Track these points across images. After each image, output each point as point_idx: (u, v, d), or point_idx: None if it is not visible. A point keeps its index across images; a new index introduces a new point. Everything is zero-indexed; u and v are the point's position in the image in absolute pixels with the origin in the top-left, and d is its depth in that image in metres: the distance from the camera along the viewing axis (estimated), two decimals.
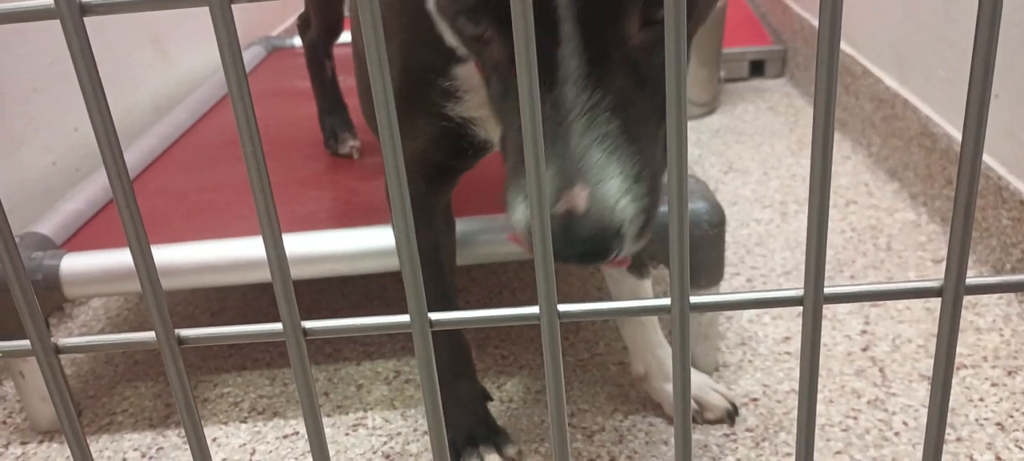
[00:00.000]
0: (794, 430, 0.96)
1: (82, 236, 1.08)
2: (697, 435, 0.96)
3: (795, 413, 0.99)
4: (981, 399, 0.98)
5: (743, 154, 1.72)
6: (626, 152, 0.50)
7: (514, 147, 0.54)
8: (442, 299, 0.87)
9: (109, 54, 1.54)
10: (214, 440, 1.02)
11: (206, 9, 0.31)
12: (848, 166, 1.62)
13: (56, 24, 0.32)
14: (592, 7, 0.49)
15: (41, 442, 1.04)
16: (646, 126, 0.53)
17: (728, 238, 1.38)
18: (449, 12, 0.54)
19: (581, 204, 0.49)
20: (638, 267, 0.93)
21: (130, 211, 0.35)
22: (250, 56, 1.82)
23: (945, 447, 0.91)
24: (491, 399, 1.04)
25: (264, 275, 0.95)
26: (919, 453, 0.90)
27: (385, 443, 0.99)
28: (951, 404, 0.98)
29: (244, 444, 1.01)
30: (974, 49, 0.31)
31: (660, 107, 0.54)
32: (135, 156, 1.28)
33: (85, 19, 0.32)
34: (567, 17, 0.49)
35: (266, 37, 1.94)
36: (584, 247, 0.49)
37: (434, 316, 0.37)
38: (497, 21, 0.51)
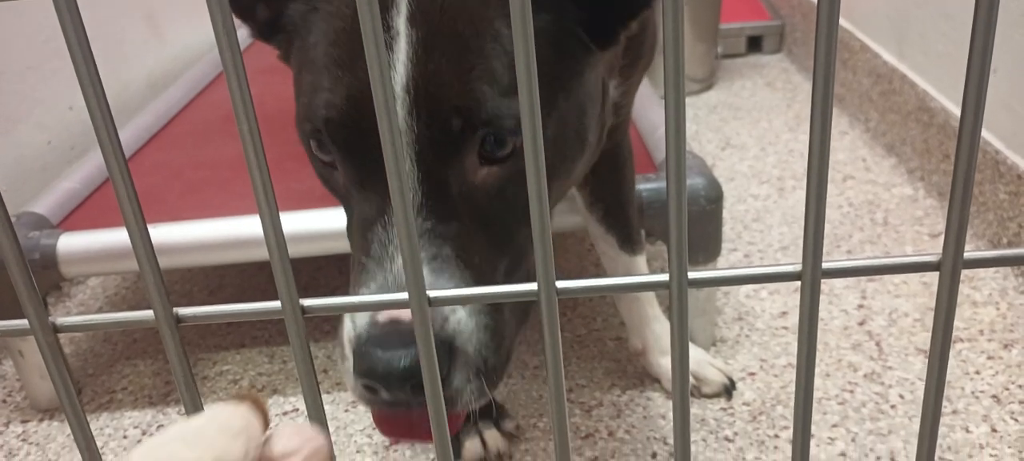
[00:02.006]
0: (791, 404, 0.97)
1: (78, 215, 1.08)
2: (695, 409, 0.97)
3: (792, 387, 0.99)
4: (977, 372, 0.99)
5: (740, 130, 1.72)
6: (461, 276, 0.51)
7: (353, 270, 0.54)
8: None
9: (103, 32, 1.53)
10: None
11: None
12: (846, 141, 1.62)
13: (50, 2, 0.32)
14: (430, 142, 0.50)
15: (41, 420, 1.04)
16: (489, 261, 0.54)
17: (725, 214, 1.38)
18: (302, 134, 0.55)
19: (405, 314, 0.48)
20: (630, 244, 0.94)
21: (126, 190, 0.35)
22: (244, 33, 1.81)
23: (941, 420, 0.92)
24: None
25: (262, 253, 0.95)
26: (915, 425, 0.91)
27: None
28: (948, 377, 0.98)
29: None
30: (974, 23, 0.30)
31: (507, 248, 0.55)
32: (130, 134, 1.28)
33: None
34: (408, 152, 0.50)
35: None
36: (407, 360, 0.46)
37: (434, 294, 0.37)
38: (341, 146, 0.53)
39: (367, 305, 0.39)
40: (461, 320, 0.50)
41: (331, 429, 0.98)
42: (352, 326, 0.50)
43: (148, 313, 0.38)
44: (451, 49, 0.50)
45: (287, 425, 0.36)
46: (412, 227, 0.35)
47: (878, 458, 0.88)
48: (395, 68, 0.50)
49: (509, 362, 0.55)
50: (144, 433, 1.01)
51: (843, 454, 0.88)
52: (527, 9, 0.31)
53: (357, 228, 0.55)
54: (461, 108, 0.50)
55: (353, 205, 0.56)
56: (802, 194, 1.44)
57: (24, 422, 1.04)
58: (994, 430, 0.90)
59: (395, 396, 0.48)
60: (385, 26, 0.49)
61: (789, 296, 1.16)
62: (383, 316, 0.49)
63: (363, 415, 1.00)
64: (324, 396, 1.04)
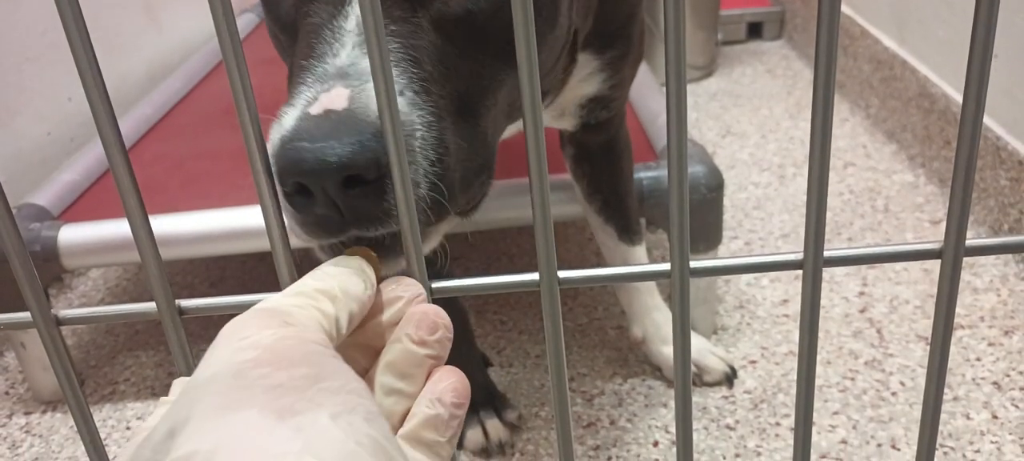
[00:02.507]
0: (792, 392, 0.97)
1: (79, 206, 1.08)
2: (696, 398, 0.97)
3: (793, 375, 0.99)
4: (978, 359, 0.99)
5: (741, 117, 1.72)
6: (413, 75, 0.44)
7: (299, 65, 0.47)
8: None
9: (101, 22, 1.53)
10: None
11: None
12: (846, 128, 1.62)
13: None
14: None
15: (44, 412, 1.05)
16: (450, 86, 0.47)
17: (726, 202, 1.38)
18: None
19: (340, 103, 0.41)
20: (629, 234, 0.93)
21: (127, 181, 0.35)
22: (243, 23, 1.80)
23: (942, 406, 0.92)
24: (491, 364, 1.05)
25: (263, 243, 0.95)
26: (916, 412, 0.91)
27: None
28: (949, 364, 0.98)
29: None
30: (975, 9, 0.30)
31: (479, 83, 0.50)
32: (130, 125, 1.28)
33: None
34: None
35: (259, 4, 1.92)
36: (341, 149, 0.38)
37: (434, 284, 0.37)
38: None
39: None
40: (408, 114, 0.43)
41: None
42: (278, 128, 0.42)
43: (150, 305, 0.38)
44: None
45: (392, 279, 0.39)
46: (413, 214, 0.35)
47: (879, 445, 0.88)
48: None
49: (479, 198, 0.50)
50: None
51: (844, 441, 0.89)
52: (528, 8, 0.31)
53: (303, 40, 0.47)
54: None
55: (300, 24, 0.49)
56: (803, 181, 1.44)
57: (27, 414, 1.05)
58: (995, 417, 0.90)
59: (330, 200, 0.40)
60: None
61: (790, 284, 1.16)
62: (314, 108, 0.41)
63: None
64: None
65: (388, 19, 0.45)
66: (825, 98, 0.32)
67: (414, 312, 0.37)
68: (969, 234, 0.33)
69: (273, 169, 0.39)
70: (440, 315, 0.37)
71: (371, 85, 0.37)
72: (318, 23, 0.46)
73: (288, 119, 0.42)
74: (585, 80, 0.75)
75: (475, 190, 0.50)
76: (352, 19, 0.45)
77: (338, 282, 0.35)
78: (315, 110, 0.41)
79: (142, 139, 1.27)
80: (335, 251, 0.42)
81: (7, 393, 1.09)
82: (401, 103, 0.43)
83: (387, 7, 0.45)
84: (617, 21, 0.73)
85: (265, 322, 0.31)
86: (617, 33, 0.74)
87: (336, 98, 0.41)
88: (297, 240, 0.41)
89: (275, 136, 0.41)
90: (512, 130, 0.65)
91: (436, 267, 0.42)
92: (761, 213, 1.35)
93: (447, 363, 0.38)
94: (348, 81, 0.42)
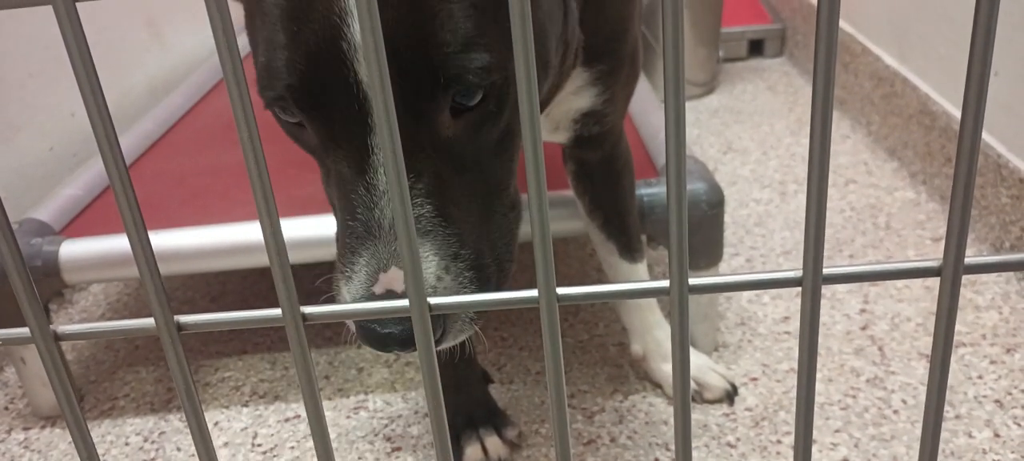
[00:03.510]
0: (794, 409, 0.96)
1: (80, 222, 1.08)
2: (697, 415, 0.96)
3: (794, 392, 0.99)
4: (979, 377, 0.98)
5: (742, 134, 1.72)
6: (440, 234, 0.51)
7: (340, 230, 0.54)
8: None
9: (103, 38, 1.54)
10: (216, 424, 1.02)
11: None
12: (847, 145, 1.62)
13: (50, 10, 0.32)
14: (401, 98, 0.49)
15: (43, 427, 1.04)
16: (467, 208, 0.54)
17: (727, 218, 1.38)
18: (265, 102, 0.54)
19: (399, 285, 0.49)
20: (631, 252, 0.93)
21: (127, 197, 0.35)
22: (244, 40, 1.81)
23: (944, 424, 0.92)
24: (491, 381, 1.04)
25: (263, 260, 0.95)
26: (918, 430, 0.91)
27: (386, 426, 0.99)
28: (950, 382, 0.98)
29: (246, 428, 1.01)
30: (974, 26, 0.30)
31: (483, 186, 0.55)
32: (131, 141, 1.28)
33: (78, 3, 0.32)
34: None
35: None
36: (409, 328, 0.47)
37: (433, 301, 0.37)
38: (308, 109, 0.51)
39: (367, 311, 0.39)
40: (447, 288, 0.51)
41: (332, 435, 0.98)
42: (349, 299, 0.51)
43: (149, 321, 0.38)
44: (406, 6, 0.48)
45: None
46: (413, 238, 0.35)
47: None
48: (352, 15, 0.48)
49: (503, 284, 0.57)
50: (146, 440, 1.01)
51: (846, 460, 0.88)
52: (526, 9, 0.31)
53: (335, 186, 0.54)
54: (429, 68, 0.49)
55: (327, 162, 0.55)
56: (804, 198, 1.44)
57: (26, 429, 1.04)
58: (997, 435, 0.90)
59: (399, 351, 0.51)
60: None
61: (791, 301, 1.16)
62: (377, 288, 0.50)
63: (365, 421, 1.00)
64: (325, 403, 1.04)
65: (409, 175, 0.50)
66: (824, 112, 0.32)
67: None
68: (970, 252, 0.33)
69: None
70: None
71: (422, 263, 0.46)
72: (349, 177, 0.51)
73: (356, 294, 0.51)
74: (577, 93, 0.76)
75: (504, 278, 0.57)
76: (382, 174, 0.50)
77: None
78: (378, 289, 0.50)
79: (144, 155, 1.28)
80: None
81: (6, 408, 1.09)
82: (440, 271, 0.51)
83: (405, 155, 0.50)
84: (603, 33, 0.73)
85: None
86: (605, 48, 0.74)
87: (394, 280, 0.50)
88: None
89: (347, 299, 0.52)
90: None
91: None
92: (762, 230, 1.35)
93: (447, 380, 0.38)
94: (400, 260, 0.48)
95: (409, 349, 0.50)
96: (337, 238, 0.55)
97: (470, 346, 0.94)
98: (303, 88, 0.50)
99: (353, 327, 0.52)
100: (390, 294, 0.50)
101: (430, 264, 0.51)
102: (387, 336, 0.49)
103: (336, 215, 0.55)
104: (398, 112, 0.49)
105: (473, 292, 0.53)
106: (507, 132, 0.55)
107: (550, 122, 0.78)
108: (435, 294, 0.50)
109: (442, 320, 0.51)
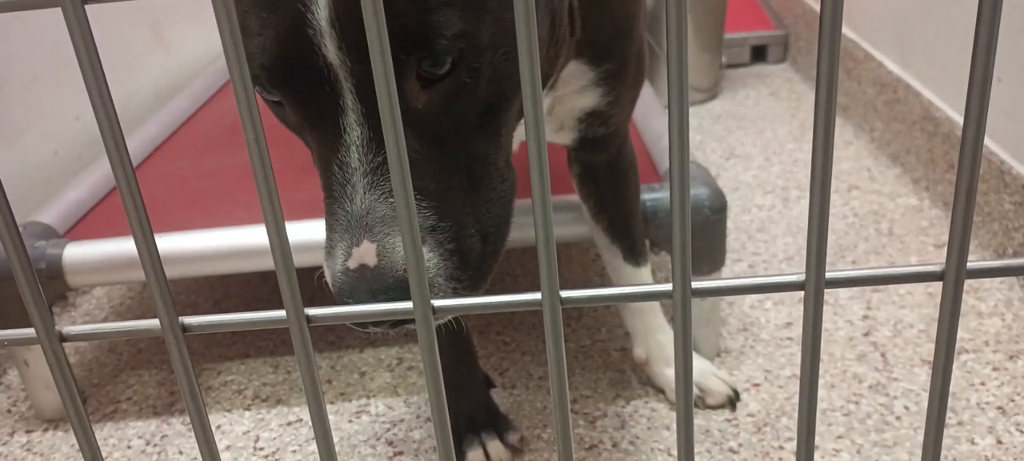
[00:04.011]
0: (796, 415, 0.96)
1: (85, 225, 1.08)
2: (699, 421, 0.96)
3: (797, 398, 0.99)
4: (982, 383, 0.98)
5: (745, 140, 1.72)
6: (421, 209, 0.52)
7: (326, 204, 0.55)
8: None
9: (108, 41, 1.54)
10: (218, 427, 1.02)
11: None
12: (850, 151, 1.62)
13: (56, 12, 0.32)
14: (367, 75, 0.49)
15: (46, 430, 1.04)
16: (444, 183, 0.53)
17: (730, 224, 1.38)
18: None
19: (371, 259, 0.50)
20: (635, 255, 0.93)
21: (133, 199, 0.35)
22: None
23: (946, 431, 0.91)
24: (494, 385, 1.04)
25: (267, 263, 0.95)
26: (920, 437, 0.91)
27: (388, 430, 0.99)
28: (952, 388, 0.98)
29: (248, 431, 1.01)
30: (976, 32, 0.30)
31: (464, 162, 0.55)
32: (137, 144, 1.28)
33: (86, 7, 0.32)
34: (347, 87, 0.50)
35: None
36: (381, 299, 0.50)
37: (436, 303, 0.37)
38: (282, 89, 0.52)
39: (369, 314, 0.39)
40: (426, 259, 0.51)
41: (335, 439, 0.98)
42: (329, 273, 0.53)
43: (153, 322, 0.38)
44: None
45: None
46: (417, 241, 0.35)
47: None
48: (314, 13, 0.48)
49: (494, 257, 0.56)
50: (149, 443, 1.01)
51: None
52: (530, 7, 0.31)
53: (318, 163, 0.55)
54: (390, 34, 0.48)
55: (309, 141, 0.56)
56: (807, 204, 1.44)
57: (29, 432, 1.05)
58: (999, 442, 0.90)
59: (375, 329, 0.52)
60: None
61: (794, 306, 1.16)
62: (351, 262, 0.51)
63: (367, 426, 1.00)
64: (328, 406, 1.04)
65: (382, 150, 0.51)
66: (827, 117, 0.32)
67: None
68: (973, 257, 0.33)
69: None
70: None
71: (392, 237, 0.50)
72: (326, 155, 0.52)
73: (334, 269, 0.52)
74: (581, 93, 0.76)
75: (491, 258, 0.56)
76: (354, 154, 0.51)
77: None
78: (352, 264, 0.51)
79: (148, 158, 1.28)
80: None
81: (9, 411, 1.09)
82: (424, 253, 0.51)
83: (374, 134, 0.51)
84: (608, 31, 0.73)
85: None
86: (611, 46, 0.74)
87: (366, 254, 0.51)
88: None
89: (328, 277, 0.53)
90: (517, 141, 0.66)
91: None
92: (765, 235, 1.35)
93: (449, 384, 0.38)
94: (372, 234, 0.51)
95: (382, 326, 0.51)
96: (326, 215, 0.56)
97: (469, 345, 0.94)
98: (275, 69, 0.51)
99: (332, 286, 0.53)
100: (363, 268, 0.50)
101: (398, 239, 0.51)
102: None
103: (324, 186, 0.56)
104: (369, 89, 0.49)
105: (454, 265, 0.52)
106: (490, 108, 0.54)
107: (554, 121, 0.78)
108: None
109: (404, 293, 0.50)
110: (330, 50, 0.48)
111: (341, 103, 0.50)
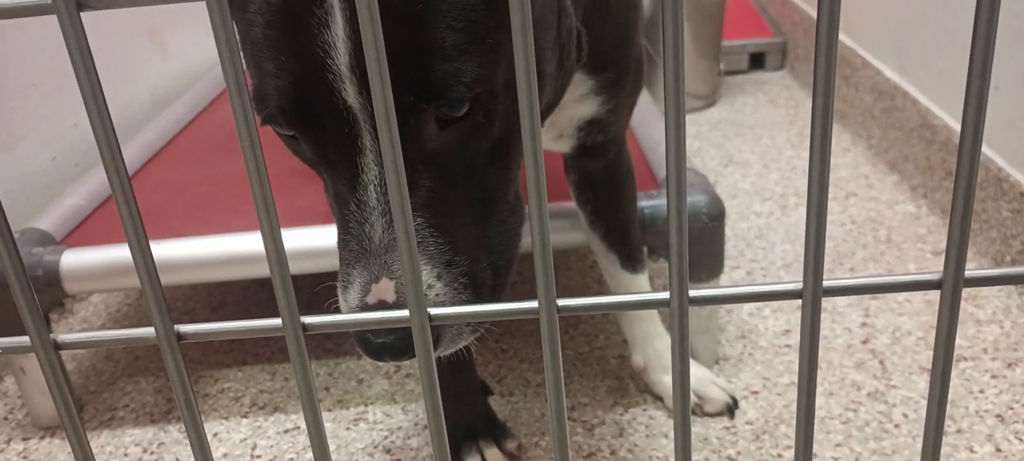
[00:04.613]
0: (794, 423, 0.96)
1: (82, 232, 1.08)
2: (697, 428, 0.96)
3: (795, 406, 0.99)
4: (981, 391, 0.98)
5: (743, 147, 1.72)
6: (432, 244, 0.53)
7: (338, 243, 0.55)
8: None
9: (106, 48, 1.54)
10: (215, 435, 1.02)
11: (203, 3, 0.31)
12: (848, 158, 1.62)
13: (54, 18, 0.32)
14: None
15: (42, 438, 1.04)
16: (459, 218, 0.54)
17: (728, 231, 1.38)
18: (262, 120, 0.55)
19: (389, 296, 0.51)
20: (632, 263, 0.93)
21: (129, 207, 0.35)
22: None
23: (945, 439, 0.91)
24: (491, 393, 1.04)
25: (264, 270, 0.95)
26: (919, 445, 0.91)
27: (386, 437, 0.99)
28: (951, 396, 0.98)
29: (245, 439, 1.01)
30: (973, 39, 0.30)
31: (477, 196, 0.56)
32: (134, 151, 1.28)
33: (82, 14, 0.32)
34: (366, 128, 0.50)
35: None
36: (398, 344, 0.50)
37: (435, 311, 0.37)
38: (300, 129, 0.53)
39: (366, 322, 0.39)
40: (439, 294, 0.52)
41: (332, 447, 0.98)
42: (346, 310, 0.54)
43: (149, 330, 0.38)
44: (388, 19, 0.49)
45: None
46: (414, 251, 0.35)
47: None
48: (336, 47, 0.48)
49: (503, 288, 0.58)
50: (145, 451, 1.00)
51: None
52: (527, 9, 0.31)
53: (333, 199, 0.56)
54: (409, 84, 0.49)
55: (323, 175, 0.57)
56: (805, 211, 1.44)
57: (25, 440, 1.04)
58: (998, 450, 0.89)
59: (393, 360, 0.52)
60: (318, 1, 0.48)
61: (792, 314, 1.16)
62: (370, 298, 0.51)
63: (365, 433, 1.00)
64: (325, 414, 1.04)
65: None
66: (823, 127, 0.32)
67: None
68: (971, 266, 0.33)
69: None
70: None
71: None
72: (342, 193, 0.53)
73: (351, 305, 0.52)
74: (581, 101, 0.76)
75: (500, 290, 0.58)
76: (372, 192, 0.52)
77: None
78: (370, 300, 0.51)
79: (146, 165, 1.28)
80: None
81: (5, 419, 1.09)
82: (438, 288, 0.53)
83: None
84: (609, 40, 0.73)
85: None
86: (611, 55, 0.74)
87: (384, 290, 0.51)
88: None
89: (344, 309, 0.54)
90: None
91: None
92: (763, 243, 1.35)
93: (447, 391, 0.38)
94: (392, 272, 0.51)
95: (402, 359, 0.51)
96: (339, 251, 0.56)
97: (467, 354, 0.94)
98: (293, 110, 0.51)
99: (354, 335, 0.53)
100: (381, 304, 0.51)
101: (422, 272, 0.51)
102: (381, 346, 0.51)
103: (337, 228, 0.57)
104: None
105: (468, 298, 0.53)
106: (501, 143, 0.55)
107: (554, 130, 0.79)
108: (428, 301, 0.50)
109: (437, 328, 0.51)
110: (350, 94, 0.49)
111: (359, 144, 0.51)
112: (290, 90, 0.50)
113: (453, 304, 0.53)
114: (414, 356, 0.50)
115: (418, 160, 0.52)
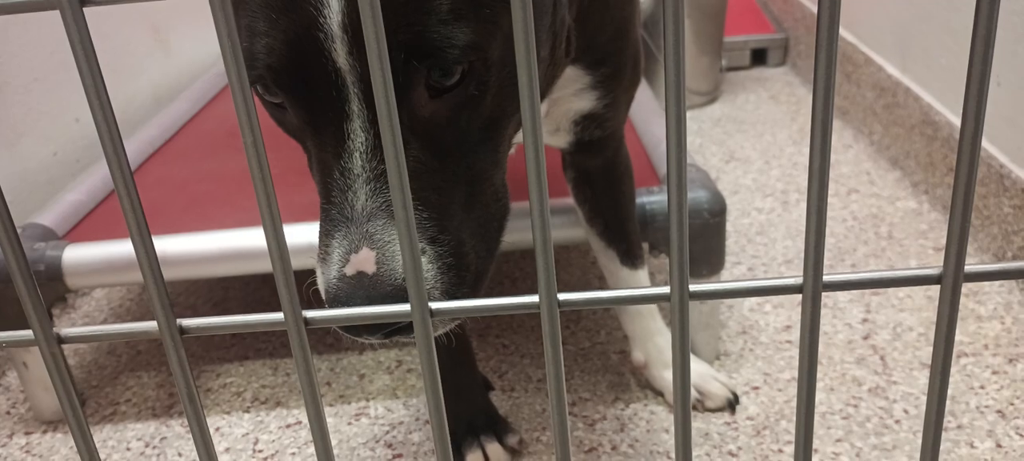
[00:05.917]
0: (795, 418, 0.96)
1: (84, 227, 1.08)
2: (698, 424, 0.96)
3: (796, 401, 0.99)
4: (982, 387, 0.98)
5: (744, 143, 1.72)
6: (420, 219, 0.52)
7: (321, 213, 0.54)
8: None
9: (108, 44, 1.54)
10: (217, 430, 1.02)
11: None
12: (850, 155, 1.62)
13: (56, 14, 0.32)
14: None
15: (45, 432, 1.04)
16: (447, 194, 0.53)
17: (729, 227, 1.38)
18: (250, 79, 0.54)
19: (369, 266, 0.50)
20: (631, 258, 0.93)
21: (131, 202, 0.35)
22: None
23: (946, 435, 0.91)
24: (492, 388, 1.04)
25: (265, 265, 0.95)
26: (920, 440, 0.91)
27: (387, 432, 0.99)
28: (952, 392, 0.98)
29: (247, 434, 1.01)
30: (973, 36, 0.31)
31: (465, 174, 0.55)
32: (136, 147, 1.28)
33: (84, 9, 0.32)
34: (354, 93, 0.49)
35: None
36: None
37: (434, 305, 0.37)
38: (287, 91, 0.52)
39: (368, 317, 0.39)
40: (424, 272, 0.52)
41: (334, 442, 0.98)
42: (323, 280, 0.52)
43: (151, 324, 0.38)
44: None
45: None
46: (415, 244, 0.35)
47: None
48: (329, 6, 0.48)
49: (483, 279, 0.56)
50: (147, 445, 1.01)
51: None
52: (528, 6, 0.31)
53: (316, 168, 0.55)
54: (402, 43, 0.48)
55: (308, 145, 0.56)
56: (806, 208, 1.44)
57: (28, 434, 1.04)
58: (999, 445, 0.90)
59: (369, 337, 0.51)
60: None
61: (793, 310, 1.16)
62: (349, 269, 0.50)
63: (366, 428, 1.00)
64: (327, 408, 1.04)
65: (380, 154, 0.50)
66: (823, 123, 0.32)
67: None
68: (973, 261, 0.33)
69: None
70: None
71: (392, 245, 0.49)
72: (326, 160, 0.52)
73: (330, 275, 0.51)
74: (578, 95, 0.76)
75: (482, 276, 0.56)
76: (357, 159, 0.51)
77: None
78: (349, 271, 0.50)
79: (147, 160, 1.28)
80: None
81: (8, 413, 1.09)
82: (422, 262, 0.51)
83: (379, 141, 0.50)
84: (606, 34, 0.73)
85: None
86: (608, 49, 0.74)
87: (365, 261, 0.50)
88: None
89: (321, 284, 0.52)
90: (515, 144, 0.66)
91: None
92: (764, 239, 1.35)
93: (448, 386, 0.38)
94: (372, 242, 0.50)
95: (375, 334, 0.50)
96: (320, 224, 0.55)
97: (467, 350, 0.94)
98: (282, 70, 0.50)
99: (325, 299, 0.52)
100: (360, 275, 0.50)
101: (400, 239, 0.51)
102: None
103: (320, 199, 0.56)
104: (371, 89, 0.49)
105: (452, 279, 0.52)
106: (491, 120, 0.55)
107: (551, 123, 0.79)
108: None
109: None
110: (340, 55, 0.48)
111: (347, 109, 0.50)
112: (280, 49, 0.50)
113: (437, 282, 0.52)
114: (391, 334, 0.50)
115: (407, 128, 0.52)
